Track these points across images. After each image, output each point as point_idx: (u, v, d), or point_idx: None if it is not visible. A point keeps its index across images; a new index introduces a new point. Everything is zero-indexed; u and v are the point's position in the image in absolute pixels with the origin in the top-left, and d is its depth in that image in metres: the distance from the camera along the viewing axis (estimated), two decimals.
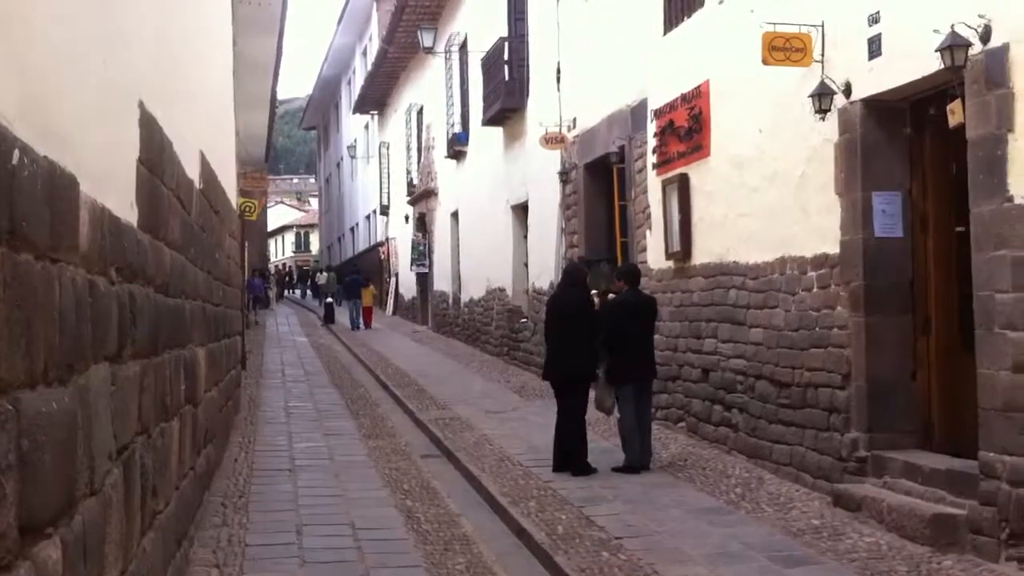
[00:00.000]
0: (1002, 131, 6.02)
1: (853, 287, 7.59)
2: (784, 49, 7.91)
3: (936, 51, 6.31)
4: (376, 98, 31.14)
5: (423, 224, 26.31)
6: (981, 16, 6.15)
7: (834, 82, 7.64)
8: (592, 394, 9.35)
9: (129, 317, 4.17)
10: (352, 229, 41.83)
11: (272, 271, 53.35)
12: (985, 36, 6.13)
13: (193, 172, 6.70)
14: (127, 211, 4.16)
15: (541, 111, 15.28)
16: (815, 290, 8.10)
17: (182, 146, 5.94)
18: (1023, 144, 5.89)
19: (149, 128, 4.69)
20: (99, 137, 3.63)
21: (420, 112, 26.55)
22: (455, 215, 22.53)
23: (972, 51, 6.19)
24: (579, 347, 9.06)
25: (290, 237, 78.77)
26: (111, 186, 3.82)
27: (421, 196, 25.98)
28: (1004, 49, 6.00)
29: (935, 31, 6.37)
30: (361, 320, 27.44)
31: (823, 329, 7.98)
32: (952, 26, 6.23)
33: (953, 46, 6.19)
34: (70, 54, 3.16)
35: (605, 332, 9.10)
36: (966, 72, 6.26)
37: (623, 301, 9.43)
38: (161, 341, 5.15)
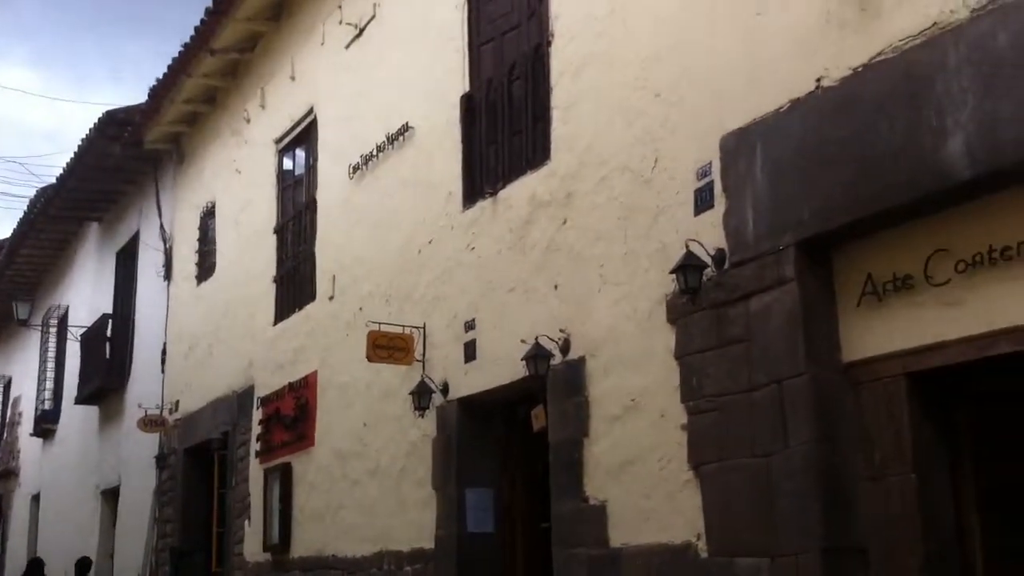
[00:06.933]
0: (579, 436, 6.54)
1: None
2: (388, 347, 8.27)
3: (522, 360, 6.87)
4: None
5: None
6: (562, 331, 6.80)
7: (433, 381, 8.03)
8: None
9: None
10: None
11: None
12: (564, 348, 6.77)
13: None
14: None
15: (142, 392, 14.66)
16: None
17: None
18: (597, 449, 6.41)
19: None
20: None
21: (8, 385, 24.65)
22: (36, 498, 20.63)
23: (553, 361, 6.78)
24: None
25: None
26: None
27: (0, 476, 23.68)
28: (581, 361, 6.62)
29: (522, 341, 6.96)
30: None
31: None
32: (536, 338, 6.83)
33: (536, 356, 6.76)
34: None
35: None
36: (548, 380, 6.83)
37: None
38: None
